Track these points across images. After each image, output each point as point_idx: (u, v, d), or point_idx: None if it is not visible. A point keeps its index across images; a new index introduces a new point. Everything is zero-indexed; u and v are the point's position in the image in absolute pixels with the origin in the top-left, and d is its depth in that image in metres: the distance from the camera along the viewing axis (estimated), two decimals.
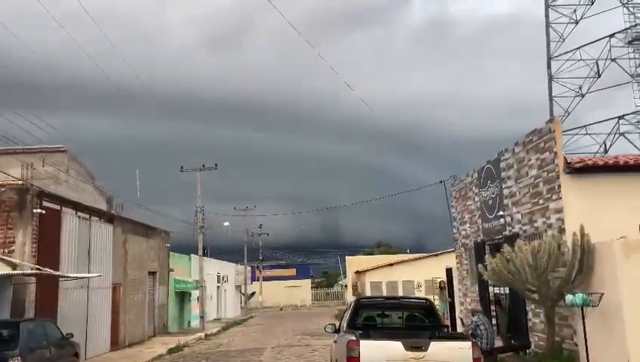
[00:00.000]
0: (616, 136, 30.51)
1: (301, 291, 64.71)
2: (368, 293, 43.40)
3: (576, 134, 31.12)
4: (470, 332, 11.57)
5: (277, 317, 44.21)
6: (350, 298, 49.61)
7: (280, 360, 17.20)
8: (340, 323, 11.15)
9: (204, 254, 34.31)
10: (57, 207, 16.30)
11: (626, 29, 29.99)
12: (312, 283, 70.49)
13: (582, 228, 10.28)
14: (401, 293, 36.66)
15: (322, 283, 76.13)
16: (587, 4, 31.50)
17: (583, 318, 9.73)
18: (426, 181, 62.26)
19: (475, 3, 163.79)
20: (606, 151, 29.82)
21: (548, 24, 32.36)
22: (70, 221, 17.02)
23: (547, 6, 32.40)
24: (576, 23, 31.99)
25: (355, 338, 8.71)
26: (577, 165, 11.41)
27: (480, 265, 13.10)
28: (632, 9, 30.23)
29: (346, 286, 59.18)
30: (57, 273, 14.72)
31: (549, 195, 12.06)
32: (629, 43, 30.21)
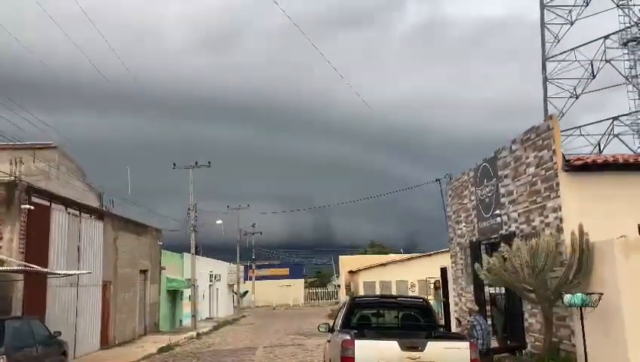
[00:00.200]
0: (611, 137, 30.54)
1: (294, 290, 64.49)
2: (362, 293, 43.27)
3: (571, 135, 31.10)
4: (466, 332, 11.40)
5: (269, 316, 43.96)
6: (343, 298, 49.49)
7: (272, 359, 16.98)
8: (334, 323, 10.94)
9: (197, 253, 34.00)
10: (46, 203, 15.97)
11: (620, 31, 30.00)
12: (304, 282, 70.24)
13: (581, 227, 10.14)
14: (394, 293, 36.54)
15: (315, 283, 75.88)
16: (582, 6, 31.48)
17: (582, 319, 9.57)
18: (419, 181, 62.22)
19: (468, 5, 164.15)
20: (600, 152, 29.82)
21: (543, 25, 32.34)
22: (59, 217, 16.70)
23: (542, 7, 32.39)
24: (572, 23, 31.98)
25: (349, 338, 8.49)
26: (576, 163, 11.27)
27: (477, 264, 12.93)
28: (626, 11, 30.26)
29: (339, 286, 59.02)
30: (45, 270, 14.39)
31: (547, 194, 11.91)
32: (624, 44, 30.21)
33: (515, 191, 13.61)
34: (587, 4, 31.46)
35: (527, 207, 12.87)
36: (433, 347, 8.29)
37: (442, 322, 18.50)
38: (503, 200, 14.35)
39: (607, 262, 9.70)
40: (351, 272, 51.78)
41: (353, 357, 8.20)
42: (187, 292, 32.54)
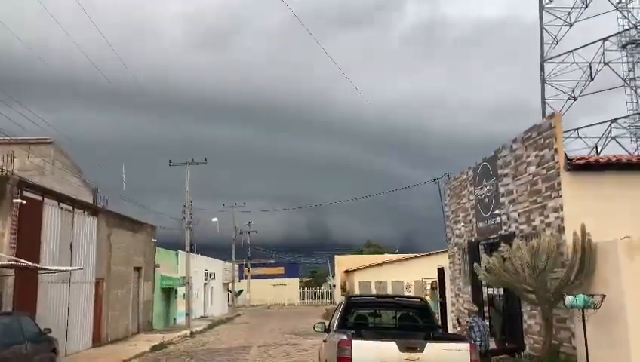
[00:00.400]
0: (608, 139, 30.47)
1: (289, 290, 64.26)
2: (357, 293, 43.11)
3: (568, 137, 30.98)
4: (465, 333, 11.21)
5: (264, 315, 43.71)
6: (339, 297, 49.33)
7: (267, 359, 16.76)
8: (330, 322, 10.71)
9: (192, 250, 33.73)
10: (39, 198, 15.70)
11: (619, 33, 29.91)
12: (300, 282, 69.99)
13: (583, 227, 9.97)
14: (390, 293, 36.37)
15: (310, 283, 75.65)
16: (581, 7, 31.39)
17: (584, 321, 9.39)
18: (416, 181, 62.10)
19: (468, 5, 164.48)
20: (597, 154, 29.73)
21: (542, 26, 32.24)
22: (52, 212, 16.42)
23: (541, 8, 32.28)
24: (570, 25, 31.88)
25: (346, 338, 8.27)
26: (579, 162, 11.10)
27: (476, 265, 12.74)
28: (625, 13, 30.19)
29: (334, 285, 58.87)
30: (36, 265, 14.12)
31: (548, 193, 11.73)
32: (623, 47, 30.13)
33: (515, 191, 13.44)
34: (586, 6, 31.37)
35: (528, 206, 12.69)
36: (432, 348, 8.09)
37: (438, 323, 18.34)
38: (502, 199, 14.18)
39: (611, 263, 9.52)
40: (346, 272, 51.59)
41: (350, 358, 7.99)
42: (181, 291, 32.26)
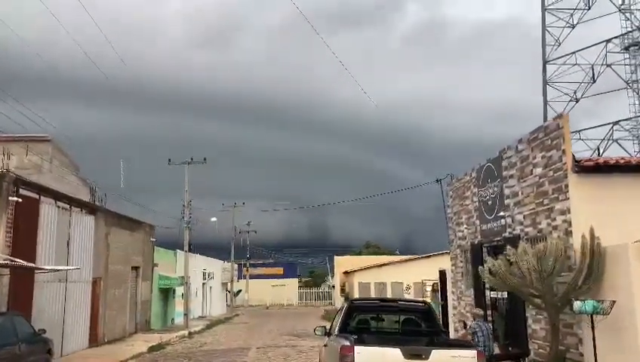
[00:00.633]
0: (610, 142, 30.25)
1: (288, 290, 63.98)
2: (356, 294, 42.90)
3: (570, 139, 30.79)
4: (469, 337, 10.97)
5: (263, 315, 43.45)
6: (338, 298, 49.10)
7: (265, 361, 16.52)
8: (332, 326, 10.45)
9: (191, 250, 33.47)
10: (35, 196, 15.45)
11: (622, 35, 29.71)
12: (299, 282, 69.72)
13: (592, 231, 9.73)
14: (389, 295, 36.13)
15: (309, 283, 75.38)
16: (584, 9, 31.19)
17: (593, 326, 9.14)
18: (416, 182, 61.88)
19: (469, 6, 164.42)
20: (599, 157, 29.50)
21: (544, 27, 32.02)
22: (49, 211, 16.17)
23: (544, 9, 32.07)
24: (573, 27, 31.67)
25: (349, 344, 8.01)
26: (587, 164, 10.86)
27: (480, 268, 12.49)
28: (628, 15, 29.98)
29: (333, 286, 58.60)
30: (32, 265, 13.87)
31: (555, 195, 11.49)
32: (625, 49, 29.93)
33: (520, 193, 13.19)
34: (589, 8, 31.17)
35: (534, 208, 12.44)
36: (438, 355, 7.82)
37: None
38: (507, 201, 13.93)
39: (621, 267, 9.28)
40: (346, 273, 51.34)
41: None
42: (180, 290, 32.01)
